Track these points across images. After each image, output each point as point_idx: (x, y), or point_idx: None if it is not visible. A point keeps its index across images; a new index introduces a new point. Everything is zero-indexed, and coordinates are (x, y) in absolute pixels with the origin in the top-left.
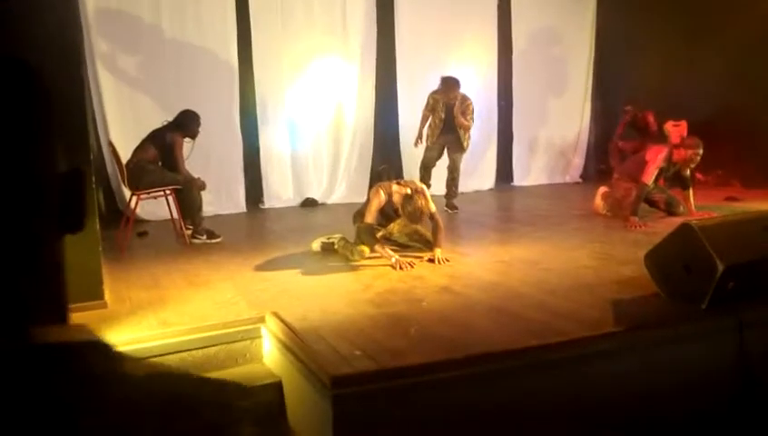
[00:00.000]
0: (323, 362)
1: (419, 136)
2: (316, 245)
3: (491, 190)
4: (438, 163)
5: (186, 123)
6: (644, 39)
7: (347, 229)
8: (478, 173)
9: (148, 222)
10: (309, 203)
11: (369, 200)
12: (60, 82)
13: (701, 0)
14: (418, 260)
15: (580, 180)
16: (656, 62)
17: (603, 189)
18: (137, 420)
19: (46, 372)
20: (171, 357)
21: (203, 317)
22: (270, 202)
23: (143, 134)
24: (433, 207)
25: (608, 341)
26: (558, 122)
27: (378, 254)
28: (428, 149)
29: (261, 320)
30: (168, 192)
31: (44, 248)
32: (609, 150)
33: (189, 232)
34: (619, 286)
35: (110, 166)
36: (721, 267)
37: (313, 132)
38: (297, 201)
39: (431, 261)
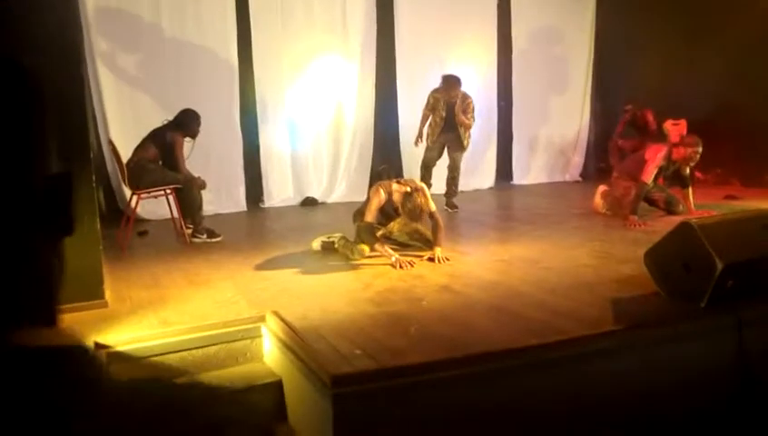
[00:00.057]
0: (323, 361)
1: (420, 135)
2: (316, 244)
3: (491, 189)
4: (438, 162)
5: (186, 123)
6: (644, 38)
7: (347, 228)
8: (478, 171)
9: (148, 221)
10: (309, 203)
11: (369, 199)
12: (60, 81)
13: (700, 0)
14: (418, 259)
15: (580, 179)
16: (656, 61)
17: (602, 188)
18: (130, 423)
19: (36, 376)
20: (171, 356)
21: (204, 316)
22: (270, 201)
23: (144, 133)
24: (433, 206)
25: (608, 339)
26: (558, 120)
27: (378, 253)
28: (428, 148)
29: (262, 319)
30: (168, 191)
31: (31, 251)
32: (609, 149)
33: (189, 231)
34: (619, 285)
35: (110, 165)
36: (720, 265)
37: (313, 131)
38: (297, 200)
39: (431, 260)
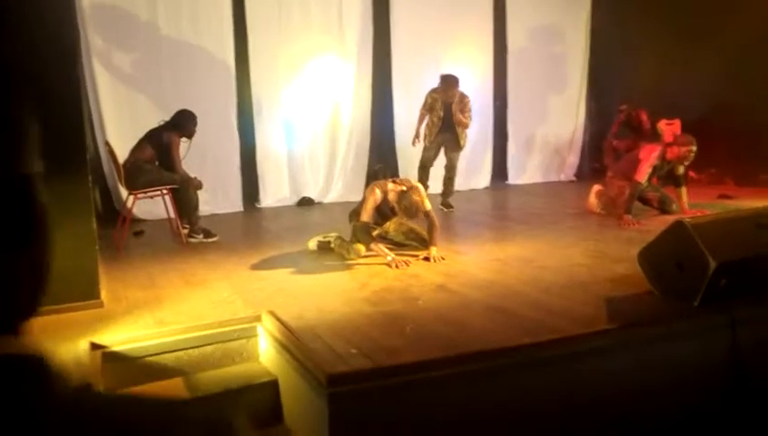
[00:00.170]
0: (319, 361)
1: (417, 135)
2: (312, 244)
3: (486, 188)
4: (434, 162)
5: (183, 123)
6: (639, 38)
7: (343, 228)
8: (474, 171)
9: (144, 221)
10: (305, 203)
11: (365, 198)
12: (56, 81)
13: (695, 0)
14: (414, 258)
15: (574, 178)
16: (651, 61)
17: (597, 187)
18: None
19: None
20: (167, 356)
21: (200, 316)
22: (266, 201)
23: (140, 134)
24: (428, 205)
25: (602, 338)
26: (553, 120)
27: (374, 253)
28: (425, 148)
29: (258, 318)
30: (165, 191)
31: None
32: (603, 148)
33: (185, 231)
34: (613, 284)
35: (106, 165)
36: (713, 264)
37: (310, 131)
38: (293, 200)
39: (427, 259)
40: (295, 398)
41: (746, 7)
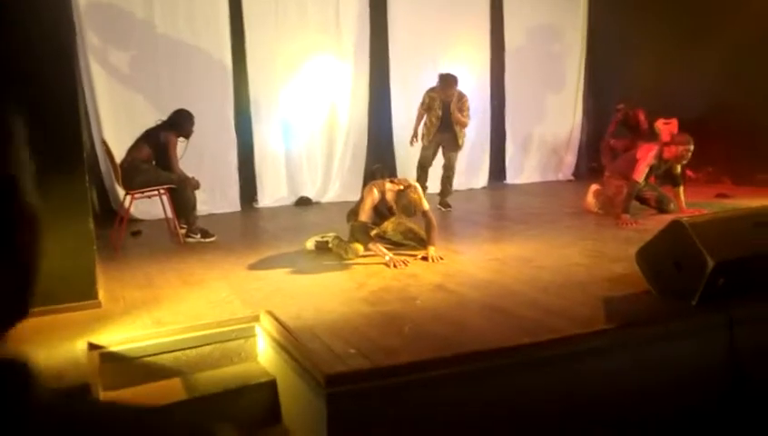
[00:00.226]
0: (317, 361)
1: (415, 135)
2: (310, 244)
3: (484, 188)
4: (433, 161)
5: (180, 123)
6: (637, 38)
7: (341, 228)
8: (472, 171)
9: (142, 221)
10: (303, 202)
11: (362, 198)
12: (53, 79)
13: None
14: (412, 258)
15: (572, 178)
16: (649, 60)
17: (594, 187)
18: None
19: None
20: (165, 356)
21: (198, 316)
22: (264, 201)
23: (137, 133)
24: (426, 205)
25: (600, 338)
26: (551, 120)
27: (372, 253)
28: (424, 148)
29: (256, 318)
30: (162, 191)
31: None
32: (601, 148)
33: (183, 231)
34: (611, 283)
35: (103, 165)
36: (711, 264)
37: (307, 131)
38: (291, 200)
39: (425, 259)
40: (293, 398)
41: (745, 7)
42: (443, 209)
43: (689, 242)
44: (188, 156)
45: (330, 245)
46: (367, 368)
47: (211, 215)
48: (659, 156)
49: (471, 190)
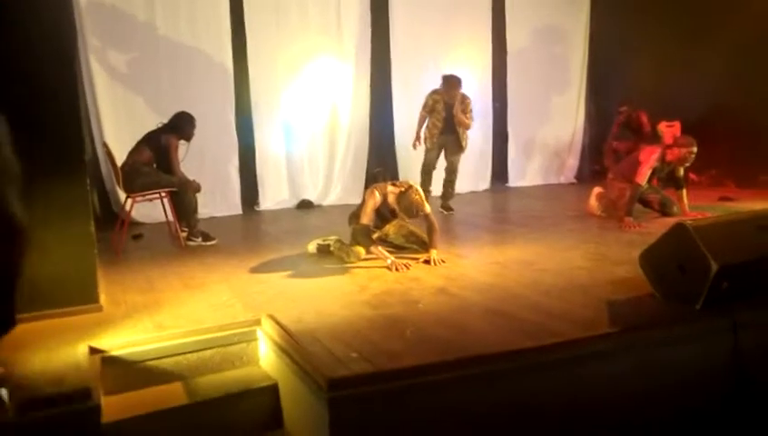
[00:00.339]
0: (319, 365)
1: (417, 137)
2: (311, 247)
3: (486, 191)
4: (436, 164)
5: (181, 126)
6: (639, 40)
7: (342, 231)
8: (474, 174)
9: (143, 224)
10: (304, 205)
11: (364, 201)
12: (53, 81)
13: (695, 1)
14: (414, 261)
15: (575, 181)
16: (650, 62)
17: (597, 189)
18: None
19: None
20: (166, 360)
21: (199, 320)
22: (265, 203)
23: (138, 135)
24: (428, 207)
25: (603, 341)
26: (553, 122)
27: (374, 256)
28: (428, 150)
29: (257, 322)
30: (163, 194)
31: None
32: (604, 150)
33: (184, 234)
34: (614, 287)
35: (104, 168)
36: (715, 267)
37: (308, 133)
38: (292, 203)
39: (427, 262)
40: (295, 402)
41: (746, 8)
42: (445, 212)
43: (693, 246)
44: (189, 159)
45: (332, 248)
46: (369, 372)
47: (212, 218)
48: (662, 159)
49: (473, 193)
